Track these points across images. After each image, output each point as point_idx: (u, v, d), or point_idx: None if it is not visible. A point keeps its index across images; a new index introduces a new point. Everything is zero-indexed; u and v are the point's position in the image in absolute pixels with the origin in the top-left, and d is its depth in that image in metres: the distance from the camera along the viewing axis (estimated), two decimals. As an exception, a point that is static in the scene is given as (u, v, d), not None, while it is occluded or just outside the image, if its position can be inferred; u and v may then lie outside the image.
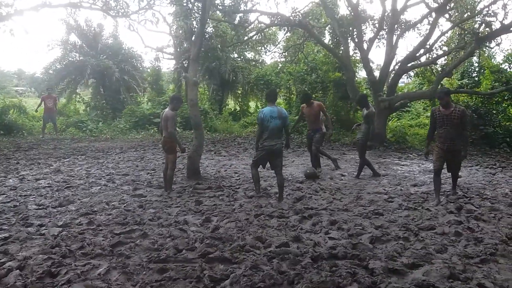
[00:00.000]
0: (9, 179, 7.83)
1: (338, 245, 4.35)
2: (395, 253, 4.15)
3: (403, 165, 9.78)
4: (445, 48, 14.42)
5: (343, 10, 22.58)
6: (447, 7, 12.98)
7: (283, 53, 20.35)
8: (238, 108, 23.08)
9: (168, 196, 6.60)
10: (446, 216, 5.50)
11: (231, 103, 24.45)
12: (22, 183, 7.44)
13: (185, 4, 10.85)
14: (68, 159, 10.20)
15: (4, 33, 13.67)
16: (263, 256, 4.06)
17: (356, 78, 15.78)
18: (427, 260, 4.01)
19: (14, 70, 60.39)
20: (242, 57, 23.19)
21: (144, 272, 3.74)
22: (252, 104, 23.94)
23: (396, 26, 13.66)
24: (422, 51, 13.57)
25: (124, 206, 5.94)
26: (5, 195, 6.53)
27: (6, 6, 13.05)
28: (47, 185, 7.31)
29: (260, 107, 22.71)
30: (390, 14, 13.40)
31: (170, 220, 5.28)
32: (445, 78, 14.16)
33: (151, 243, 4.42)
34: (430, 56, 14.41)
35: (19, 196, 6.51)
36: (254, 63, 23.48)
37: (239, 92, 22.70)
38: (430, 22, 13.36)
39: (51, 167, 9.11)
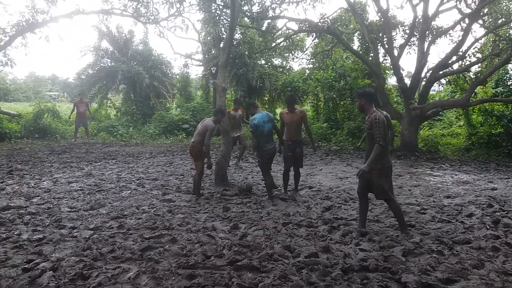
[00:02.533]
0: (44, 181, 8.06)
1: (369, 257, 4.24)
2: (429, 267, 4.01)
3: (435, 176, 9.51)
4: (478, 55, 13.98)
5: (373, 15, 22.36)
6: (481, 13, 12.62)
7: (311, 60, 20.27)
8: (265, 115, 23.07)
9: (196, 202, 6.64)
10: (482, 230, 5.30)
11: (259, 110, 24.45)
12: (56, 186, 7.65)
13: (214, 11, 10.95)
14: (99, 163, 10.43)
15: (39, 40, 14.15)
16: (292, 266, 4.00)
17: (386, 85, 15.52)
18: (463, 275, 3.86)
19: (48, 76, 62.71)
20: (269, 63, 23.21)
21: (173, 278, 3.74)
22: (278, 111, 23.90)
23: (427, 32, 13.37)
24: (454, 58, 13.22)
25: (154, 211, 6.01)
26: (39, 197, 6.72)
27: (42, 13, 13.57)
28: (79, 188, 7.48)
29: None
30: (421, 20, 13.14)
31: (199, 226, 5.29)
32: (479, 87, 13.74)
33: (180, 248, 4.43)
34: (463, 63, 14.02)
35: (52, 198, 6.68)
36: (281, 69, 23.46)
37: (266, 98, 22.70)
38: (463, 28, 13.01)
39: (83, 170, 9.33)
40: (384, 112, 4.98)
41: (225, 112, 7.31)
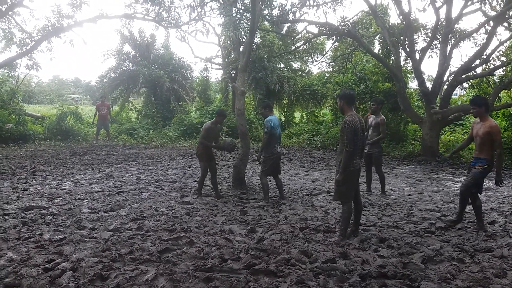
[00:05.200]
0: (65, 182, 8.23)
1: (387, 263, 4.18)
2: (449, 275, 3.93)
3: (456, 182, 9.31)
4: (503, 58, 13.65)
5: (394, 18, 22.05)
6: (506, 15, 12.32)
7: (331, 63, 20.15)
8: (283, 118, 23.05)
9: (214, 204, 6.67)
10: (505, 238, 5.16)
11: (276, 113, 24.46)
12: (77, 187, 7.80)
13: (234, 15, 11.02)
14: (119, 165, 10.59)
15: (64, 44, 14.50)
16: (309, 271, 3.98)
17: (407, 89, 15.30)
18: (484, 284, 3.77)
19: (71, 79, 64.02)
20: (288, 67, 23.17)
21: (190, 280, 3.77)
22: (297, 115, 23.83)
23: (450, 35, 13.14)
24: (478, 61, 12.94)
25: (172, 213, 6.06)
26: (61, 198, 6.87)
27: (67, 17, 13.91)
28: (99, 189, 7.62)
29: (305, 117, 22.56)
30: (444, 23, 12.92)
31: (216, 229, 5.31)
32: (503, 91, 13.40)
33: (197, 251, 4.46)
34: (487, 67, 13.71)
35: (73, 199, 6.82)
36: (300, 73, 23.39)
37: (285, 102, 22.66)
38: (487, 31, 12.74)
39: (103, 172, 9.49)
40: (359, 116, 4.93)
41: (225, 114, 7.41)
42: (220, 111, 7.30)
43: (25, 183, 8.03)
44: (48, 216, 5.68)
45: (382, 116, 7.64)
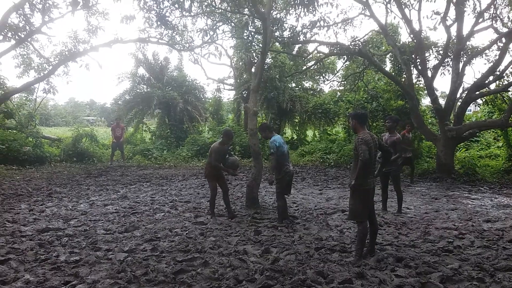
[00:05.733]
0: (80, 204, 8.32)
1: (405, 283, 4.10)
2: (470, 296, 3.84)
3: (473, 199, 9.15)
4: (517, 74, 13.55)
5: (405, 37, 22.18)
6: (519, 32, 12.28)
7: (342, 82, 20.22)
8: (295, 137, 23.07)
9: (228, 225, 6.66)
10: (526, 256, 5.03)
11: (288, 132, 24.52)
12: (92, 208, 7.88)
13: (246, 37, 11.19)
14: (134, 186, 10.68)
15: (80, 68, 14.89)
16: (325, 292, 3.93)
17: (420, 106, 15.23)
18: (506, 305, 3.67)
19: (87, 101, 65.32)
20: (300, 86, 23.31)
21: (205, 302, 3.74)
22: (309, 133, 23.83)
23: (462, 52, 13.11)
24: (491, 78, 12.86)
25: (186, 233, 6.07)
26: (76, 219, 6.94)
27: (83, 43, 14.30)
28: (114, 210, 7.67)
29: (317, 135, 22.54)
30: (455, 40, 12.93)
31: (230, 249, 5.29)
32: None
33: (212, 272, 4.44)
34: (501, 83, 13.61)
35: (89, 220, 6.88)
36: (312, 92, 23.50)
37: (297, 121, 22.73)
38: (500, 47, 12.69)
39: (118, 193, 9.57)
40: (373, 134, 4.96)
41: (232, 134, 7.37)
42: (226, 131, 7.31)
43: (41, 205, 8.14)
44: (64, 238, 5.74)
45: (398, 134, 7.58)
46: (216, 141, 7.59)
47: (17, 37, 12.83)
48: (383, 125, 16.24)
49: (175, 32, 12.59)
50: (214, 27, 10.62)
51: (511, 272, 4.47)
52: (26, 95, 18.61)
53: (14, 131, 15.43)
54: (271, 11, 9.56)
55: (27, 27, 12.91)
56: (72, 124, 28.65)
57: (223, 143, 7.22)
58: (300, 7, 9.68)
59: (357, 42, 13.97)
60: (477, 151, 16.60)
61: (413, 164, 11.63)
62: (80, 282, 4.16)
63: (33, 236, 5.83)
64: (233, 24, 10.52)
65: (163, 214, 7.44)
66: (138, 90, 22.26)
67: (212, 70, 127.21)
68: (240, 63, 21.30)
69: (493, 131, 17.18)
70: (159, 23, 10.82)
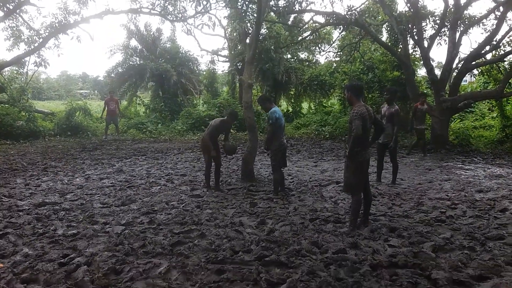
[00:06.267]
0: (76, 178, 8.33)
1: (398, 253, 4.19)
2: (460, 264, 3.93)
3: (467, 170, 9.26)
4: (514, 44, 13.47)
5: (401, 6, 21.85)
6: (517, 0, 12.12)
7: (338, 53, 20.03)
8: (290, 109, 23.02)
9: (224, 197, 6.72)
10: (516, 225, 5.13)
11: (283, 104, 24.45)
12: (88, 182, 7.89)
13: (240, 7, 10.98)
14: (129, 160, 10.68)
15: (71, 40, 14.68)
16: (320, 262, 4.00)
17: (416, 77, 15.16)
18: (495, 272, 3.76)
19: (79, 74, 64.46)
20: (295, 57, 23.09)
21: (203, 273, 3.81)
22: (305, 105, 23.77)
23: (459, 22, 12.97)
24: (488, 48, 12.78)
25: (183, 206, 6.12)
26: (73, 193, 6.96)
27: (74, 14, 13.97)
28: (110, 184, 7.70)
29: (313, 108, 22.50)
30: (452, 9, 12.75)
31: (226, 221, 5.35)
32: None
33: (208, 243, 4.50)
34: (497, 53, 13.53)
35: (85, 194, 6.90)
36: (307, 63, 23.31)
37: (292, 93, 22.63)
38: (497, 16, 12.55)
39: (114, 167, 9.58)
40: (368, 107, 4.93)
41: (238, 116, 7.44)
42: (233, 112, 7.35)
43: (37, 179, 8.14)
44: (61, 212, 5.76)
45: (396, 106, 7.56)
46: (218, 118, 7.59)
47: (5, 9, 12.50)
48: (379, 96, 16.24)
49: (167, 2, 12.32)
50: (208, -3, 10.40)
51: (502, 241, 4.56)
52: (17, 69, 18.31)
53: (6, 105, 15.26)
54: (266, -20, 9.33)
55: (15, -2, 12.58)
56: (65, 97, 28.40)
57: (226, 122, 7.23)
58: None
59: (354, 11, 13.77)
60: (472, 122, 16.69)
61: (425, 136, 11.56)
62: (79, 255, 4.21)
63: (30, 211, 5.85)
64: (226, -7, 10.30)
65: (159, 187, 7.48)
66: (130, 63, 21.99)
67: (206, 41, 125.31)
68: (235, 34, 20.95)
69: (488, 102, 17.24)
70: (150, -7, 10.57)
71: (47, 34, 14.10)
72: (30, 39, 14.99)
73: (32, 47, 14.45)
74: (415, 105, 11.08)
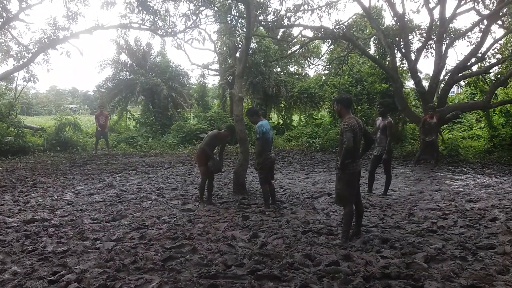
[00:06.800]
0: (66, 193, 8.23)
1: (391, 264, 4.20)
2: (452, 274, 3.95)
3: (456, 180, 9.35)
4: (498, 56, 13.75)
5: (388, 20, 22.21)
6: (500, 13, 12.42)
7: (327, 66, 20.24)
8: (281, 122, 23.12)
9: (215, 211, 6.68)
10: (506, 234, 5.19)
11: (274, 117, 24.54)
12: (78, 198, 7.80)
13: (229, 22, 11.08)
14: (120, 174, 10.60)
15: (61, 55, 14.63)
16: (313, 275, 3.99)
17: (404, 89, 15.37)
18: (487, 281, 3.79)
19: (69, 89, 64.14)
20: (285, 71, 23.28)
21: (195, 288, 3.78)
22: (295, 118, 23.89)
23: (445, 35, 13.23)
24: (473, 60, 13.04)
25: (174, 221, 6.07)
26: (62, 209, 6.87)
27: (63, 29, 13.95)
28: (101, 199, 7.61)
29: (303, 120, 22.62)
30: (438, 23, 13.02)
31: (218, 235, 5.32)
32: (500, 88, 13.49)
33: (200, 258, 4.47)
34: (483, 65, 13.80)
35: (75, 210, 6.82)
36: (297, 76, 23.49)
37: (282, 105, 22.75)
38: (482, 29, 12.84)
39: (104, 182, 9.49)
40: (358, 119, 4.99)
41: (234, 131, 7.52)
42: (231, 126, 7.47)
43: (26, 195, 8.03)
44: (51, 228, 5.68)
45: (390, 118, 7.64)
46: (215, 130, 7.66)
47: (-6, 25, 12.47)
48: (368, 108, 16.40)
49: (157, 17, 12.38)
50: (197, 12, 10.50)
51: (493, 250, 4.61)
52: (5, 84, 18.14)
53: (-5, 121, 15.09)
54: (255, -5, 9.46)
55: (4, 14, 12.54)
56: (55, 112, 28.14)
57: (223, 135, 7.26)
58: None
59: (341, 25, 13.98)
60: (460, 132, 16.91)
61: (437, 147, 11.66)
62: (69, 272, 4.14)
63: (18, 227, 5.76)
64: (216, 8, 10.40)
65: (150, 202, 7.42)
66: (120, 77, 21.95)
67: (196, 55, 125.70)
68: (224, 48, 21.10)
69: (475, 113, 17.50)
70: (140, 8, 10.64)
71: (36, 49, 14.05)
72: (19, 54, 14.89)
73: (21, 62, 14.37)
74: (424, 118, 11.30)
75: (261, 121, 6.84)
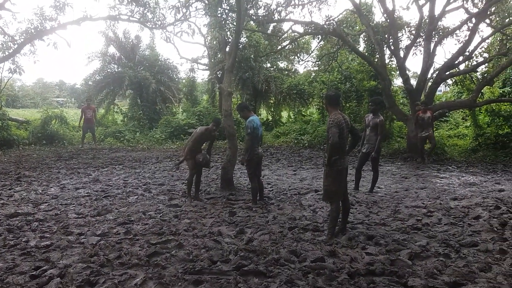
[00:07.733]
0: (51, 187, 8.13)
1: (375, 261, 4.22)
2: (436, 271, 3.99)
3: (442, 178, 9.45)
4: (485, 55, 13.91)
5: (378, 17, 22.33)
6: (488, 12, 12.54)
7: (317, 62, 20.26)
8: (270, 118, 23.12)
9: (202, 206, 6.65)
10: (489, 232, 5.25)
11: (263, 113, 24.54)
12: (63, 192, 7.71)
13: (220, 15, 11.00)
14: (106, 169, 10.50)
15: (48, 47, 14.40)
16: (298, 271, 4.00)
17: (392, 87, 15.47)
18: (470, 279, 3.83)
19: (56, 82, 63.29)
20: (275, 66, 23.25)
21: (180, 283, 3.75)
22: (284, 114, 23.91)
23: (433, 33, 13.32)
24: (461, 58, 13.16)
25: (160, 216, 6.03)
26: (47, 204, 6.78)
27: (51, 20, 13.70)
28: (86, 194, 7.53)
29: (292, 117, 22.65)
30: (427, 20, 13.10)
31: (205, 231, 5.30)
32: (486, 87, 13.65)
33: (186, 254, 4.44)
34: (470, 63, 13.95)
35: (60, 204, 6.73)
36: (287, 72, 23.49)
37: (272, 102, 22.76)
38: (470, 28, 12.95)
39: (90, 176, 9.39)
40: (345, 115, 5.00)
41: (220, 123, 7.49)
42: (217, 119, 7.41)
43: (9, 189, 7.90)
44: (34, 223, 5.60)
45: (381, 116, 7.63)
46: (202, 126, 7.61)
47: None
48: (356, 105, 16.48)
49: (146, 9, 12.24)
50: (187, 4, 10.39)
51: (476, 248, 4.66)
52: (-10, 76, 17.78)
53: (-21, 113, 14.81)
54: (245, -10, 9.39)
55: (-11, 3, 12.27)
56: (41, 105, 27.78)
57: (210, 129, 7.21)
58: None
59: (332, 21, 13.98)
60: (446, 130, 17.10)
61: (434, 142, 11.64)
62: (51, 267, 4.09)
63: (1, 222, 5.67)
64: (206, 1, 10.30)
65: (136, 197, 7.36)
66: (108, 70, 21.70)
67: (185, 49, 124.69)
68: (214, 42, 20.98)
69: (461, 111, 17.70)
70: None
71: (22, 40, 13.78)
72: (4, 45, 14.59)
73: (7, 53, 14.09)
74: (417, 113, 11.40)
75: (252, 116, 6.82)
